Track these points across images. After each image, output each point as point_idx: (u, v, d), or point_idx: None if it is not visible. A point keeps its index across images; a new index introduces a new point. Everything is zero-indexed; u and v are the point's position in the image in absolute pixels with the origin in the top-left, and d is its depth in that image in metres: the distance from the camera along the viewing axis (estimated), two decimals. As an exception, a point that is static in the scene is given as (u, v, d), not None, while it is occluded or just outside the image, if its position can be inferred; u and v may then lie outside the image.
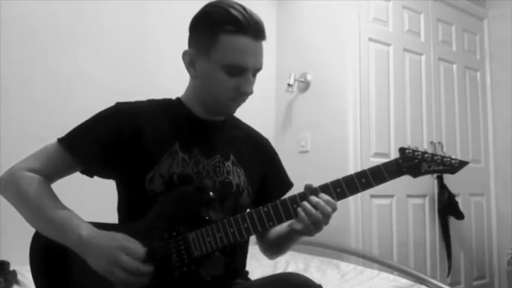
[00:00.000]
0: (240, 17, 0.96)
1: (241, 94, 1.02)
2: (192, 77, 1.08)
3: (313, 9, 2.76)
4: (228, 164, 1.08)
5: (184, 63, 1.06)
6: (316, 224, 0.94)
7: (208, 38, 0.99)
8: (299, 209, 0.94)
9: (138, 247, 0.90)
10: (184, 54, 1.05)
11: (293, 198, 0.96)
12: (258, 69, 1.03)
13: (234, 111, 1.08)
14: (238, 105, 1.06)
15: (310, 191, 0.96)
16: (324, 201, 0.94)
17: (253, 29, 0.98)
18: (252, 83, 1.03)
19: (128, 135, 1.01)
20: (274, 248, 1.16)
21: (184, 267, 0.92)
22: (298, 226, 0.96)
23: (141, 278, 0.88)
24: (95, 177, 1.07)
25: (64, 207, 0.97)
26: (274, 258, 1.24)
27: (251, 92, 1.03)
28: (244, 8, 0.99)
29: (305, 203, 0.94)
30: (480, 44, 3.29)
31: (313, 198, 0.94)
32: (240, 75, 0.99)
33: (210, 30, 0.99)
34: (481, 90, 3.25)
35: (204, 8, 1.03)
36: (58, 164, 1.01)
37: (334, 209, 0.95)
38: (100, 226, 0.95)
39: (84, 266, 0.90)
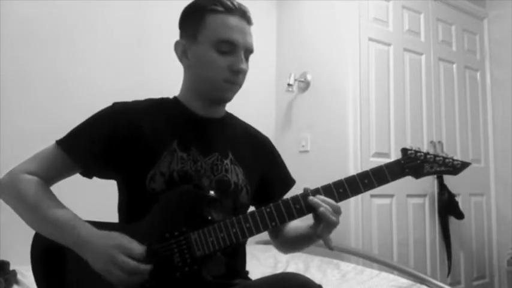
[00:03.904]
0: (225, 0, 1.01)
1: (235, 73, 1.02)
2: (186, 67, 1.09)
3: (313, 9, 2.76)
4: (227, 162, 1.07)
5: (177, 54, 1.07)
6: (337, 213, 0.93)
7: (196, 22, 1.02)
8: (314, 202, 0.93)
9: (135, 245, 0.90)
10: (176, 45, 1.07)
11: (295, 199, 0.96)
12: (249, 49, 1.05)
13: (230, 97, 1.07)
14: (234, 89, 1.06)
15: (312, 191, 0.96)
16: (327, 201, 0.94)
17: (239, 10, 1.02)
18: (244, 62, 1.03)
19: (126, 134, 1.01)
20: (289, 245, 1.17)
21: (186, 267, 0.92)
22: (319, 229, 0.94)
23: (138, 276, 0.88)
24: (95, 177, 1.07)
25: (63, 207, 0.97)
26: (290, 253, 1.25)
27: (245, 70, 1.04)
28: None
29: (313, 199, 0.93)
30: (480, 44, 3.29)
31: (317, 197, 0.94)
32: (231, 53, 1.01)
33: (197, 15, 1.03)
34: (481, 90, 3.26)
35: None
36: (57, 166, 1.01)
37: (338, 211, 0.95)
38: (100, 226, 0.94)
39: (86, 265, 0.90)
